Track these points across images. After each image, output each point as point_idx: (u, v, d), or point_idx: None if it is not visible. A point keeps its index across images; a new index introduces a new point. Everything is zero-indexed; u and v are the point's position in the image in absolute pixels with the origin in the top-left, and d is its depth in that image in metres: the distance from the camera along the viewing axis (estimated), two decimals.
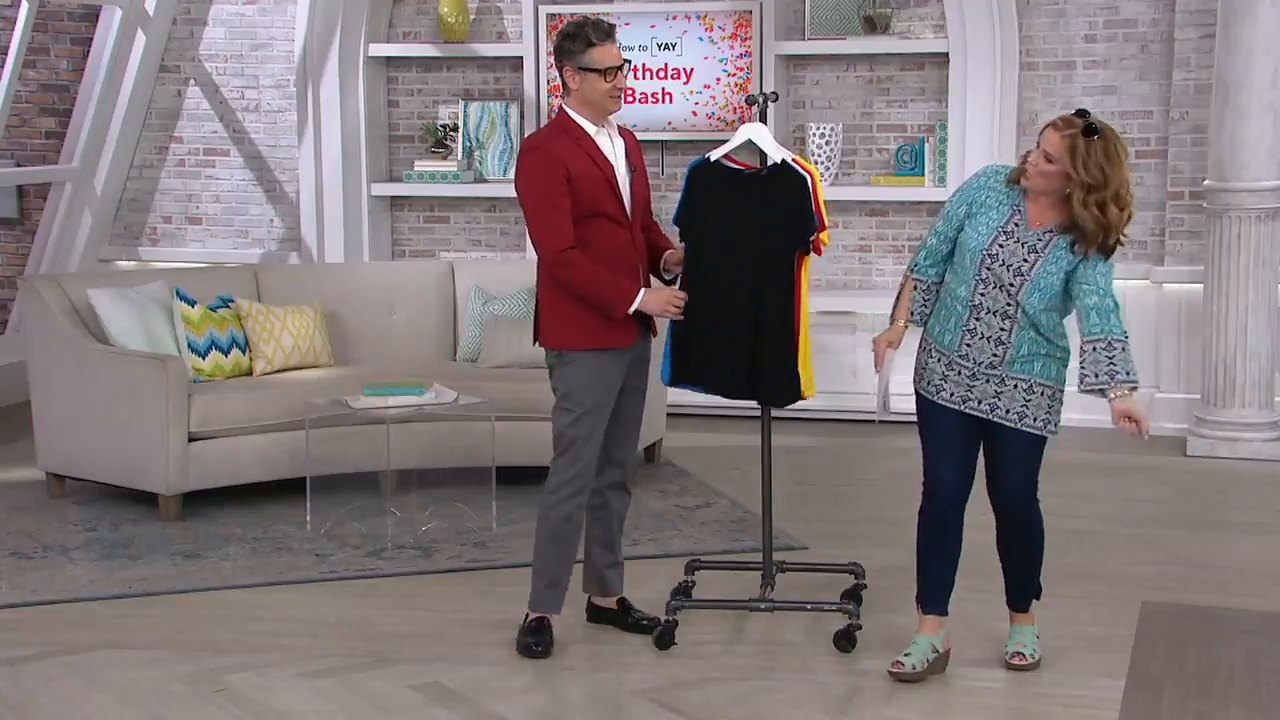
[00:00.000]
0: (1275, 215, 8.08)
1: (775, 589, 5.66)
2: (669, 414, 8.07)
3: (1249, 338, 8.10)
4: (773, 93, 5.68)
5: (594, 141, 5.26)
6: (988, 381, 5.03)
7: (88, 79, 9.94)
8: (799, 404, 5.51)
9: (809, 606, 5.60)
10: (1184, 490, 7.59)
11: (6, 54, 9.31)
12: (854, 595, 5.71)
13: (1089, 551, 6.53)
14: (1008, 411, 5.04)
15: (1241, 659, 5.36)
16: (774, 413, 5.65)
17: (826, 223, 5.41)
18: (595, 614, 5.63)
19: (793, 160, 5.40)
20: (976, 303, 4.99)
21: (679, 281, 5.44)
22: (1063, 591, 6.01)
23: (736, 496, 7.32)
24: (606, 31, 5.25)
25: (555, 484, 5.35)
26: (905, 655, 5.18)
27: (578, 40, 5.22)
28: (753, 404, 5.58)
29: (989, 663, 5.30)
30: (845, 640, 5.39)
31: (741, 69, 8.95)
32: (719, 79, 9.00)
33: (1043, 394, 5.04)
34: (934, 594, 5.23)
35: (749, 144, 5.44)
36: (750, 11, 8.88)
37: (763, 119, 5.49)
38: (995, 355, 5.00)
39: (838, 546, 6.48)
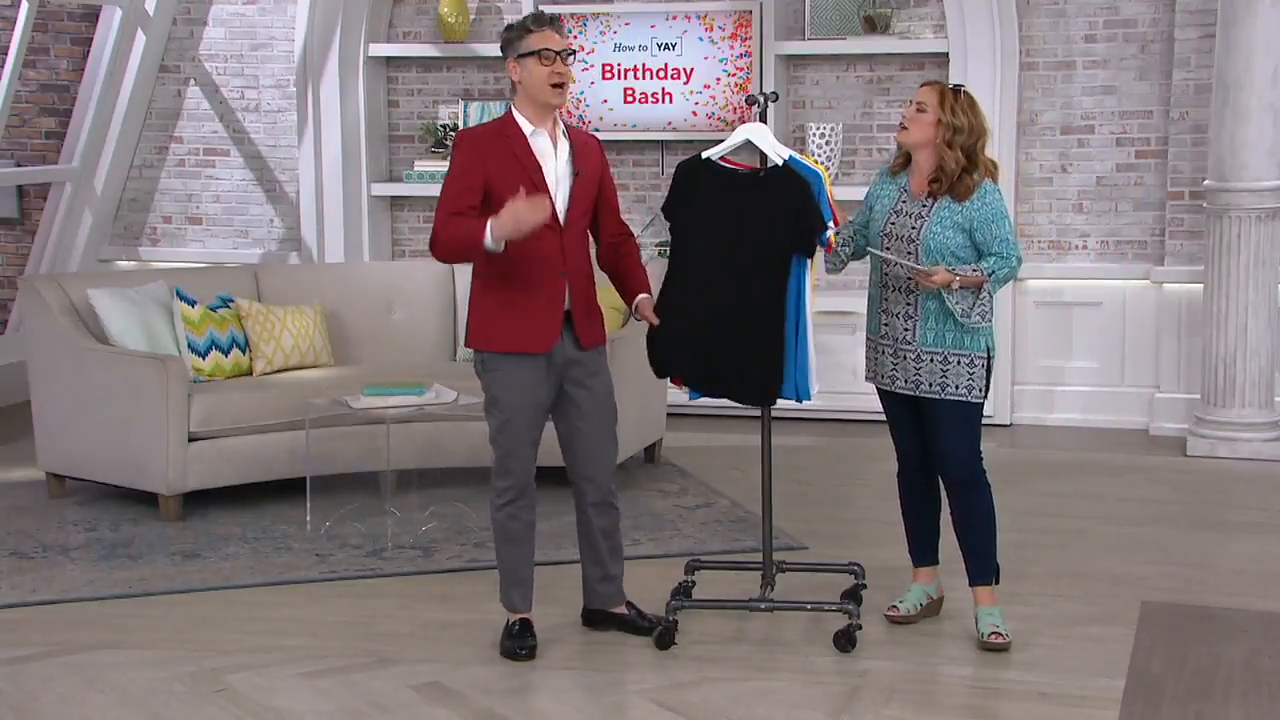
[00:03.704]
0: (1275, 215, 8.08)
1: (775, 589, 5.66)
2: (669, 414, 8.07)
3: (1249, 338, 8.10)
4: (773, 93, 5.67)
5: (526, 142, 5.19)
6: (906, 358, 5.40)
7: (88, 79, 9.95)
8: (799, 405, 5.51)
9: (809, 606, 5.60)
10: (1184, 490, 7.59)
11: (6, 54, 9.31)
12: (854, 595, 5.72)
13: (1089, 551, 6.53)
14: (930, 385, 5.36)
15: (1241, 659, 5.36)
16: (774, 413, 5.65)
17: (840, 220, 5.42)
18: (591, 619, 5.62)
19: (800, 158, 5.40)
20: (884, 282, 5.44)
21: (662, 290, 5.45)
22: (1063, 591, 6.02)
23: (736, 496, 7.32)
24: (548, 20, 5.22)
25: (499, 488, 5.36)
26: (900, 601, 5.68)
27: (516, 30, 5.21)
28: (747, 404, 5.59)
29: (988, 663, 5.30)
30: (845, 640, 5.39)
31: (741, 69, 8.95)
32: (719, 79, 9.00)
33: (959, 363, 5.35)
34: (920, 549, 5.69)
35: (748, 145, 5.44)
36: (750, 11, 8.89)
37: (763, 119, 5.48)
38: (907, 329, 5.39)
39: (838, 546, 6.48)
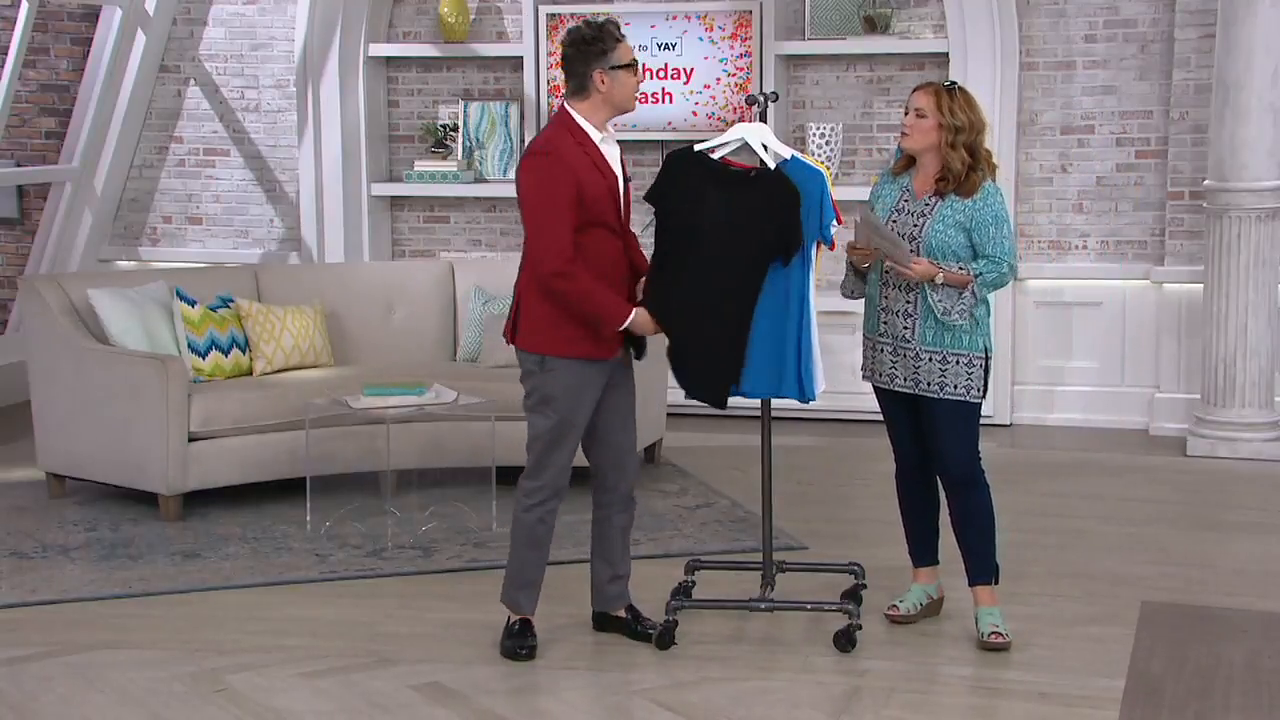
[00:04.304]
0: (1275, 215, 8.08)
1: (775, 589, 5.66)
2: (669, 414, 8.07)
3: (1249, 338, 8.10)
4: (773, 93, 5.67)
5: (598, 148, 5.23)
6: (905, 356, 5.39)
7: (88, 79, 9.95)
8: (801, 405, 5.51)
9: (809, 606, 5.60)
10: (1184, 490, 7.59)
11: (6, 54, 9.31)
12: (854, 595, 5.72)
13: (1089, 551, 6.53)
14: (929, 384, 5.36)
15: (1241, 659, 5.36)
16: (774, 413, 5.65)
17: (843, 219, 5.42)
18: (601, 622, 5.61)
19: (803, 157, 5.40)
20: (884, 280, 5.42)
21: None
22: (1063, 591, 6.02)
23: (736, 496, 7.32)
24: (620, 28, 5.29)
25: (530, 488, 5.33)
26: (900, 600, 5.69)
27: (606, 40, 5.20)
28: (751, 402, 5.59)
29: (988, 663, 5.31)
30: (845, 640, 5.39)
31: (741, 69, 8.95)
32: (719, 79, 9.00)
33: (958, 362, 5.34)
34: (920, 548, 5.70)
35: (746, 145, 5.42)
36: (750, 11, 8.89)
37: (763, 119, 5.48)
38: (906, 328, 5.37)
39: (838, 546, 6.48)
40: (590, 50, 5.19)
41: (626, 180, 5.36)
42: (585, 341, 5.22)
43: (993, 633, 5.39)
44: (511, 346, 5.39)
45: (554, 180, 5.13)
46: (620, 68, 5.21)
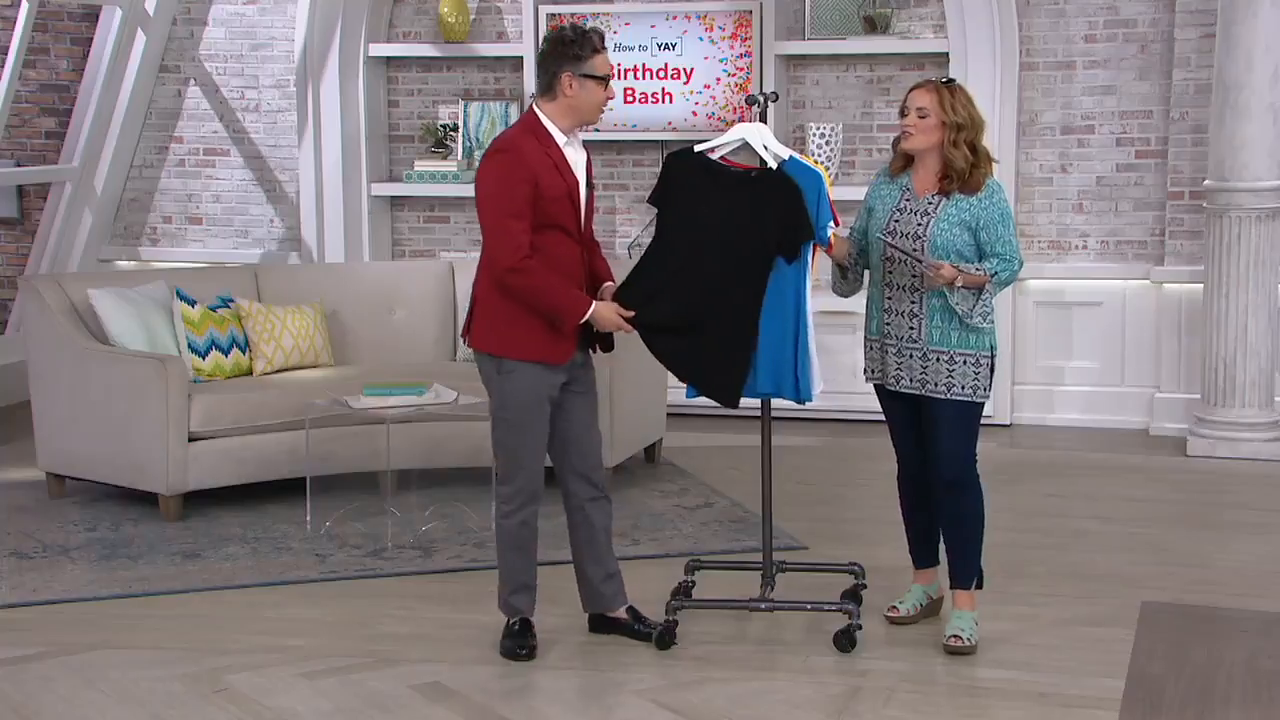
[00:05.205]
0: (1275, 215, 8.08)
1: (775, 589, 5.66)
2: (669, 414, 8.07)
3: (1249, 338, 8.10)
4: (773, 93, 5.67)
5: (561, 151, 5.20)
6: (912, 357, 5.36)
7: (88, 79, 9.95)
8: (800, 405, 5.51)
9: (809, 606, 5.60)
10: (1184, 490, 7.59)
11: (6, 54, 9.31)
12: (854, 595, 5.72)
13: (1089, 551, 6.53)
14: (936, 385, 5.33)
15: (1241, 659, 5.36)
16: (774, 413, 5.65)
17: (840, 220, 5.42)
18: (598, 624, 5.59)
19: (800, 158, 5.39)
20: (887, 281, 5.39)
21: (639, 265, 5.44)
22: (1063, 591, 6.02)
23: (736, 496, 7.32)
24: (604, 40, 5.24)
25: (506, 494, 5.32)
26: (900, 602, 5.67)
27: (583, 46, 5.16)
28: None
29: (988, 664, 5.30)
30: (845, 640, 5.39)
31: (741, 69, 8.95)
32: (719, 79, 9.00)
33: (965, 362, 5.32)
34: (920, 550, 5.67)
35: (746, 145, 5.42)
36: (750, 11, 8.89)
37: (763, 119, 5.48)
38: (912, 329, 5.34)
39: (838, 546, 6.48)
40: (565, 52, 5.16)
41: (590, 187, 5.32)
42: (539, 345, 5.19)
43: (953, 636, 5.36)
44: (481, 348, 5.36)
45: (511, 178, 5.11)
46: (591, 78, 5.17)
